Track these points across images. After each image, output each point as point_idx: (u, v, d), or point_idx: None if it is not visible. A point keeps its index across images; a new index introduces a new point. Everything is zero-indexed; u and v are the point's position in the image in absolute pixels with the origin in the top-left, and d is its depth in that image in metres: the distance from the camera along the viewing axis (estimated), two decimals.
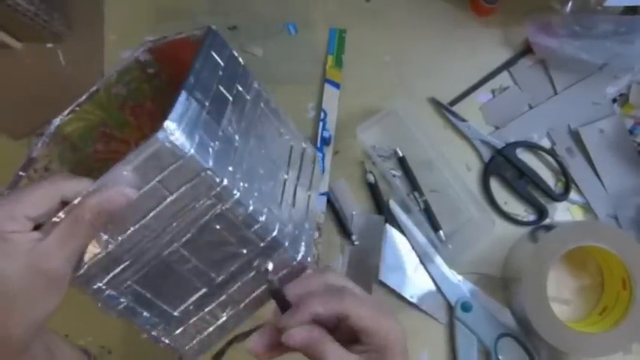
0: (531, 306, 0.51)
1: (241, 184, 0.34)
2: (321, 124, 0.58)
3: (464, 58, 0.59)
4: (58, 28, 0.56)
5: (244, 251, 0.36)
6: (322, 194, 0.56)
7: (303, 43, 0.60)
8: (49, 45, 0.58)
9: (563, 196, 0.57)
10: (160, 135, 0.30)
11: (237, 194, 0.33)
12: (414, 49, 0.60)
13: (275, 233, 0.36)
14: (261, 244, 0.36)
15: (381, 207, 0.57)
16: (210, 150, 0.32)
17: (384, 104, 0.57)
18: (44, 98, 0.57)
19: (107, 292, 0.35)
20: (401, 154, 0.57)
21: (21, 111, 0.58)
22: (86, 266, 0.34)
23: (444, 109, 0.58)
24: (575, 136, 0.58)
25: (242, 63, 0.41)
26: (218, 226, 0.34)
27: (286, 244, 0.36)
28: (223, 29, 0.60)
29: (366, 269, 0.56)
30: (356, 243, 0.56)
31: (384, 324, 0.33)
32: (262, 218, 0.35)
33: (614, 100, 0.58)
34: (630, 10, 0.55)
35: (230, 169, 0.33)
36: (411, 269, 0.56)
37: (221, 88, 0.36)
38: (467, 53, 0.60)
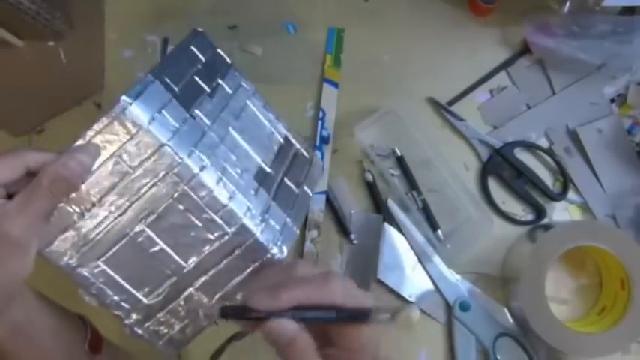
0: (529, 306, 0.51)
1: (204, 164, 0.35)
2: (319, 123, 0.58)
3: (462, 57, 0.60)
4: (60, 26, 0.56)
5: (211, 237, 0.36)
6: (321, 193, 0.56)
7: (301, 42, 0.60)
8: (51, 43, 0.58)
9: (561, 195, 0.57)
10: (116, 109, 0.32)
11: (199, 174, 0.34)
12: (413, 48, 0.60)
13: (244, 221, 0.36)
14: (230, 230, 0.36)
15: (379, 206, 0.57)
16: (172, 128, 0.34)
17: (382, 103, 0.57)
18: (45, 96, 0.57)
19: (78, 270, 0.36)
20: (399, 154, 0.58)
21: (22, 108, 0.58)
22: (56, 242, 0.35)
23: (443, 109, 0.58)
24: (573, 136, 0.58)
25: (229, 62, 0.43)
26: (182, 207, 0.35)
27: (257, 234, 0.36)
28: (223, 29, 0.60)
29: (364, 268, 0.56)
30: (355, 242, 0.56)
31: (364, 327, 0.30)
32: (228, 202, 0.35)
33: (612, 100, 0.58)
34: (628, 10, 0.55)
35: (193, 149, 0.35)
36: (410, 268, 0.56)
37: (197, 79, 0.39)
38: (465, 53, 0.60)
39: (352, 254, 0.56)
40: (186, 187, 0.34)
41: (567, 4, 0.55)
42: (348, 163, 0.58)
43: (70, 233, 0.35)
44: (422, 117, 0.59)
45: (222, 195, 0.35)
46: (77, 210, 0.34)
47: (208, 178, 0.35)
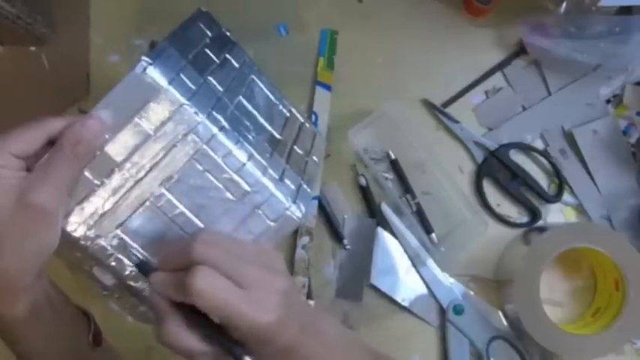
0: (524, 308, 0.51)
1: (223, 124, 0.35)
2: None
3: (457, 59, 0.59)
4: (42, 30, 0.54)
5: (231, 197, 0.36)
6: (313, 198, 0.56)
7: (293, 44, 0.59)
8: (32, 48, 0.55)
9: (556, 197, 0.57)
10: (137, 69, 0.32)
11: (218, 133, 0.35)
12: (407, 50, 0.59)
13: (262, 179, 0.36)
14: (249, 189, 0.36)
15: (373, 210, 0.56)
16: (189, 89, 0.35)
17: (376, 106, 0.57)
18: (27, 103, 0.55)
19: (96, 241, 0.36)
20: (393, 157, 0.57)
21: (2, 115, 0.57)
22: (75, 212, 0.34)
23: (437, 111, 0.58)
24: (569, 138, 0.57)
25: (234, 40, 0.45)
26: (201, 168, 0.35)
27: (275, 191, 0.37)
28: None
29: (357, 273, 0.56)
30: (347, 247, 0.56)
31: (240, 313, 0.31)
32: (247, 162, 0.36)
33: (608, 101, 0.58)
34: (624, 11, 0.55)
35: (211, 110, 0.35)
36: (403, 272, 0.56)
37: (207, 51, 0.40)
38: (460, 54, 0.59)
39: (345, 260, 0.56)
40: (206, 147, 0.35)
41: (564, 5, 0.54)
42: (341, 167, 0.57)
43: (89, 202, 0.34)
44: (416, 119, 0.58)
45: (241, 155, 0.36)
46: (97, 176, 0.34)
47: (227, 138, 0.35)
